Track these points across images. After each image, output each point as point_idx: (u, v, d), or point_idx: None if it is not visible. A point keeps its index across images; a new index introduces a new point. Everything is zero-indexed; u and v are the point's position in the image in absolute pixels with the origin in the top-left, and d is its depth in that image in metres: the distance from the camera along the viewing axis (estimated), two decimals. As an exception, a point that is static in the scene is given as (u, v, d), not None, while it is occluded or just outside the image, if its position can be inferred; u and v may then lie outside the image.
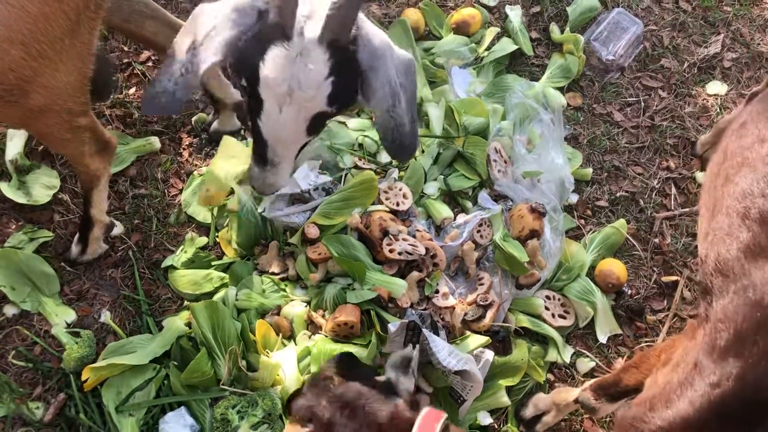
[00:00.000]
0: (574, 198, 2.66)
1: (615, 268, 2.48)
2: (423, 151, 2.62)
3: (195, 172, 2.55)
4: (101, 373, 2.11)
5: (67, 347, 2.17)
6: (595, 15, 3.05)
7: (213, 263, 2.40)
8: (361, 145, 2.59)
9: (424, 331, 2.08)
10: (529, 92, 2.71)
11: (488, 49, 2.91)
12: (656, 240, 2.62)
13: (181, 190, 2.53)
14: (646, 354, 1.77)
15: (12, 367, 2.21)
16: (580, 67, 2.90)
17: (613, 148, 2.80)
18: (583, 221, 2.64)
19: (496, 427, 2.26)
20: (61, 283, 2.32)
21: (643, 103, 2.91)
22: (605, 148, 2.80)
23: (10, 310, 2.27)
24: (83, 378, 2.11)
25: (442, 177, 2.56)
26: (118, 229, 2.41)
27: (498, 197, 2.56)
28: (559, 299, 2.44)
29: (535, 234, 2.43)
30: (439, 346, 2.08)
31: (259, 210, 2.38)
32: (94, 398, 2.15)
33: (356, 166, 2.51)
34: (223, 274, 2.37)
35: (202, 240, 2.44)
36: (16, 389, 2.16)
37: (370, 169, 2.50)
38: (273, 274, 2.36)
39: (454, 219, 2.48)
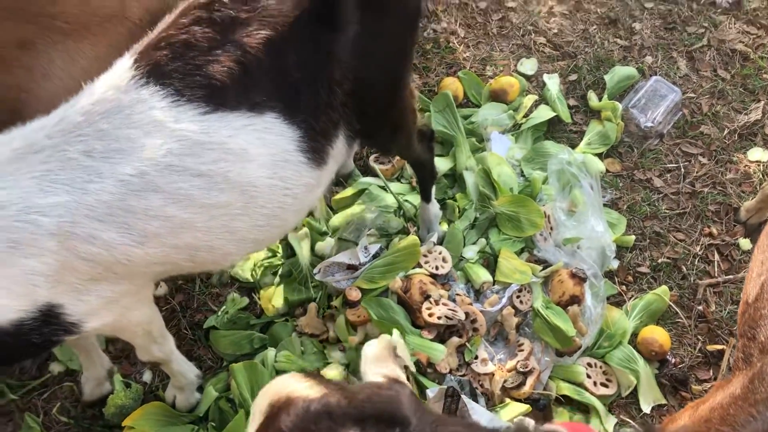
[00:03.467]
0: (615, 264, 2.64)
1: (658, 335, 2.44)
2: (460, 216, 2.65)
3: (239, 234, 2.62)
4: (141, 426, 2.14)
5: (114, 392, 2.21)
6: (633, 83, 3.09)
7: (252, 321, 2.43)
8: (401, 208, 2.64)
9: (463, 397, 2.06)
10: (568, 158, 2.73)
11: (526, 116, 2.96)
12: (700, 308, 2.57)
13: (224, 252, 2.59)
14: (673, 416, 1.73)
15: (56, 424, 2.24)
16: (618, 133, 2.92)
17: (654, 213, 2.79)
18: (624, 287, 2.61)
19: (537, 499, 2.20)
20: (105, 342, 2.37)
21: (683, 170, 2.90)
22: (645, 214, 2.79)
23: (56, 368, 2.33)
24: (123, 424, 2.15)
25: (484, 240, 2.58)
26: (162, 289, 2.47)
27: (538, 261, 2.56)
28: (600, 367, 2.40)
29: (576, 300, 2.41)
30: (479, 414, 2.05)
31: (314, 272, 2.44)
32: (133, 458, 2.16)
33: (403, 230, 2.55)
34: (263, 336, 2.39)
35: (244, 301, 2.49)
36: (59, 446, 2.19)
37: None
38: (312, 336, 2.38)
39: (493, 284, 2.48)
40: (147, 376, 2.33)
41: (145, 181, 1.56)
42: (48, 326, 1.58)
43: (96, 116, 1.56)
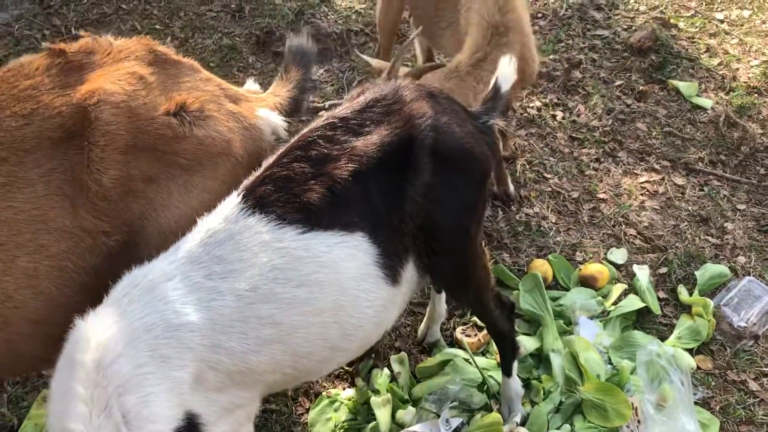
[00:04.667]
0: (707, 468, 2.50)
1: None
2: (545, 398, 2.62)
3: (324, 393, 2.67)
4: None
5: None
6: (725, 281, 3.08)
7: (327, 487, 2.41)
8: (484, 383, 2.64)
9: None
10: (658, 350, 2.70)
11: (615, 303, 2.98)
12: None
13: (308, 410, 2.63)
14: None
15: None
16: (710, 330, 2.88)
17: (750, 419, 2.67)
18: (718, 496, 2.46)
19: None
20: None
21: (780, 375, 2.80)
22: (740, 418, 2.67)
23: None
24: None
25: (569, 427, 2.52)
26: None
27: (624, 456, 2.47)
28: None
29: (665, 503, 2.28)
30: None
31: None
32: None
33: (485, 407, 2.54)
34: (336, 501, 2.37)
35: (321, 461, 2.49)
36: None
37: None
38: (386, 507, 2.33)
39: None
40: None
41: (256, 294, 1.78)
42: None
43: (212, 246, 1.83)
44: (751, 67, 4.13)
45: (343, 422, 2.57)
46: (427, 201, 1.95)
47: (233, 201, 1.89)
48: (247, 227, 1.83)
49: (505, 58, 2.26)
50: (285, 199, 1.85)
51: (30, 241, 1.87)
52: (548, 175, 3.58)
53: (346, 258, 1.86)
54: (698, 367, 2.80)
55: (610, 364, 2.75)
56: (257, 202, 1.85)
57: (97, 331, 1.69)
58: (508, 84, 2.24)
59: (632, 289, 3.06)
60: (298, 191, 1.85)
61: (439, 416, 2.52)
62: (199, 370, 1.74)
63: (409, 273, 2.03)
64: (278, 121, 2.31)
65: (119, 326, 1.70)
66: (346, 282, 1.87)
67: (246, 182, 1.93)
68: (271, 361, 1.84)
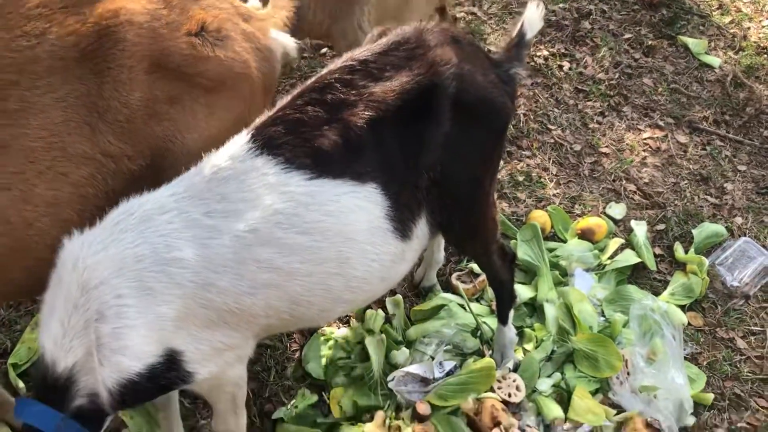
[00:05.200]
0: (690, 420, 2.55)
1: (734, 505, 2.32)
2: (537, 346, 2.65)
3: (318, 331, 2.68)
4: None
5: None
6: (721, 241, 3.10)
7: (319, 420, 2.44)
8: (478, 329, 2.67)
9: None
10: (652, 305, 2.73)
11: (611, 257, 2.99)
12: (780, 482, 2.45)
13: (302, 346, 2.65)
14: None
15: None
16: (703, 288, 2.91)
17: (735, 375, 2.72)
18: (699, 447, 2.52)
19: None
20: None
21: (768, 335, 2.85)
22: (726, 373, 2.72)
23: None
24: None
25: (560, 375, 2.56)
26: (238, 373, 2.53)
27: (612, 405, 2.51)
28: None
29: (648, 451, 2.34)
30: None
31: (388, 379, 2.45)
32: None
33: (478, 352, 2.57)
34: (327, 436, 2.40)
35: (313, 397, 2.51)
36: None
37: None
38: (377, 444, 2.36)
39: (565, 421, 2.44)
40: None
41: (255, 236, 1.74)
42: (171, 371, 1.73)
43: (216, 182, 1.78)
44: (763, 27, 4.07)
45: (337, 360, 2.59)
46: (444, 152, 1.89)
47: (242, 139, 1.83)
48: (254, 168, 1.77)
49: (533, 2, 2.18)
50: (295, 143, 1.79)
51: (49, 168, 1.80)
52: (551, 127, 3.54)
53: (355, 209, 1.81)
54: (689, 324, 2.84)
55: (603, 316, 2.78)
56: (266, 142, 1.80)
57: (86, 253, 1.66)
58: (534, 31, 2.16)
59: (629, 244, 3.07)
60: (310, 136, 1.79)
61: (432, 358, 2.54)
62: (187, 307, 1.70)
63: (421, 229, 1.99)
64: (290, 42, 2.26)
65: (109, 252, 1.67)
66: (353, 233, 1.82)
67: (257, 121, 1.87)
68: (266, 306, 1.80)
